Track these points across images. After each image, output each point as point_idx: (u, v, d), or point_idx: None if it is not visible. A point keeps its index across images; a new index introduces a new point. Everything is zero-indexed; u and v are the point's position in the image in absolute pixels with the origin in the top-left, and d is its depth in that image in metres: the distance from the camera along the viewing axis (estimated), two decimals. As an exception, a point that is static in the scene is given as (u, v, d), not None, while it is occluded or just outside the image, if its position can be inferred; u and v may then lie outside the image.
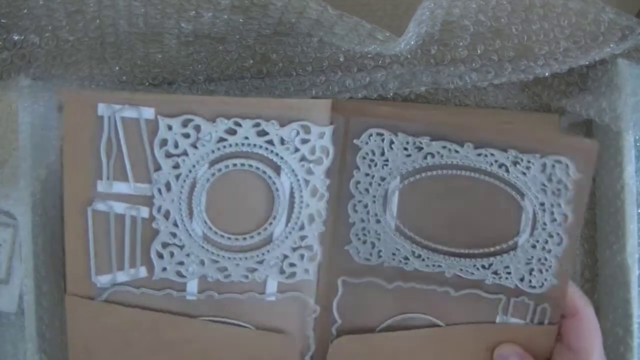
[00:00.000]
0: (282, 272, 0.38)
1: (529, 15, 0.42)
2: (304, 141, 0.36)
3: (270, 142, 0.35)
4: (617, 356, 0.44)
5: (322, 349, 0.39)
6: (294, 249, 0.38)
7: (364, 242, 0.38)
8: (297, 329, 0.39)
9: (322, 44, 0.44)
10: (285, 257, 0.38)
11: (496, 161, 0.36)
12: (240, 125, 0.35)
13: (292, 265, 0.38)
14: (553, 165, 0.36)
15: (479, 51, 0.45)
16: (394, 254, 0.38)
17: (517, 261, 0.38)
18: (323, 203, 0.37)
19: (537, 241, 0.37)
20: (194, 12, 0.41)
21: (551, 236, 0.37)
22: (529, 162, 0.36)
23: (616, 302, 0.45)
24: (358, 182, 0.38)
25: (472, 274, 0.38)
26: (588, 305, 0.38)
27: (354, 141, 0.37)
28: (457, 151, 0.36)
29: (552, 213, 0.37)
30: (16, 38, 0.41)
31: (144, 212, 0.36)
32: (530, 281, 0.38)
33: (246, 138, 0.35)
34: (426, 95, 0.49)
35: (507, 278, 0.38)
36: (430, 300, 0.39)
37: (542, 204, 0.37)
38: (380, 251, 0.38)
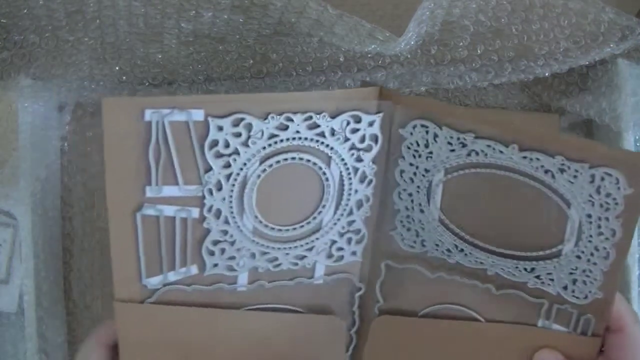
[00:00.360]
0: (330, 256, 0.38)
1: (529, 15, 0.42)
2: (354, 130, 0.36)
3: (322, 134, 0.35)
4: (617, 356, 0.44)
5: (366, 326, 0.40)
6: (342, 234, 0.38)
7: (409, 229, 0.39)
8: (344, 307, 0.40)
9: (322, 43, 0.44)
10: (334, 242, 0.38)
11: (542, 166, 0.35)
12: (292, 120, 0.35)
13: (340, 249, 0.38)
14: (602, 178, 0.34)
15: (479, 51, 0.45)
16: (437, 244, 0.38)
17: (561, 270, 0.36)
18: (371, 188, 0.38)
19: (583, 252, 0.35)
20: (194, 12, 0.41)
21: (597, 249, 0.35)
22: (576, 171, 0.34)
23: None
24: (403, 171, 0.38)
25: (514, 275, 0.37)
26: (636, 321, 0.36)
27: (399, 130, 0.37)
28: (501, 152, 0.35)
29: (599, 226, 0.35)
30: (16, 38, 0.41)
31: (195, 212, 0.35)
32: (573, 291, 0.36)
33: (297, 132, 0.35)
34: (426, 95, 0.49)
35: (549, 284, 0.37)
36: (471, 295, 0.39)
37: (589, 216, 0.35)
38: (423, 240, 0.39)
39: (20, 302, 0.47)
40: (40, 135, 0.44)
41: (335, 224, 0.38)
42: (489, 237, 0.37)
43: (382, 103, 0.37)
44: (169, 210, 0.35)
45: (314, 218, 0.37)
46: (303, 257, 0.38)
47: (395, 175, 0.38)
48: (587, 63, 0.43)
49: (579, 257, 0.36)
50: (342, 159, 0.36)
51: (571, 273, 0.36)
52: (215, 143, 0.34)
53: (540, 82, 0.48)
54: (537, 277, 0.37)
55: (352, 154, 0.36)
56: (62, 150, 0.48)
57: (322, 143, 0.36)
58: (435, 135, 0.36)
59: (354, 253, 0.39)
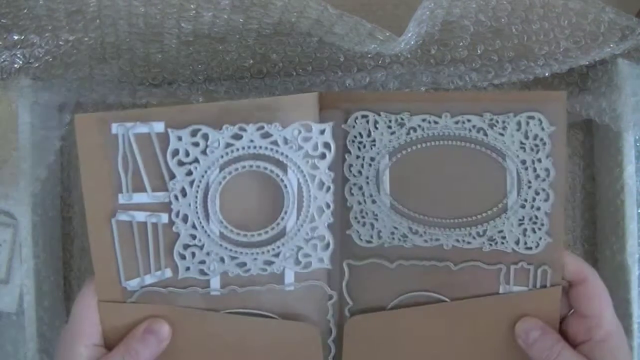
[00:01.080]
0: (297, 262, 0.39)
1: (529, 16, 0.42)
2: (306, 139, 0.38)
3: (275, 142, 0.37)
4: (617, 356, 0.44)
5: (341, 331, 0.41)
6: (307, 240, 0.39)
7: (364, 224, 0.40)
8: (317, 315, 0.40)
9: (322, 43, 0.44)
10: (300, 248, 0.39)
11: (474, 126, 0.38)
12: (245, 130, 0.37)
13: (306, 255, 0.39)
14: (527, 122, 0.37)
15: (479, 51, 0.45)
16: (392, 232, 0.39)
17: (510, 223, 0.38)
18: (330, 195, 0.39)
19: (525, 200, 0.38)
20: (194, 12, 0.41)
21: (537, 193, 0.38)
22: (504, 122, 0.37)
23: (616, 302, 0.44)
24: (351, 165, 0.39)
25: (469, 242, 0.39)
26: (593, 271, 0.38)
27: (342, 126, 0.39)
28: (436, 122, 0.38)
29: (535, 169, 0.38)
30: (16, 38, 0.41)
31: (164, 217, 0.38)
32: (525, 242, 0.38)
33: (252, 141, 0.37)
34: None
35: (502, 243, 0.39)
36: (432, 277, 0.39)
37: (524, 162, 0.38)
38: (380, 232, 0.39)
39: (20, 302, 0.47)
40: (40, 135, 0.44)
41: (298, 230, 0.39)
42: (440, 212, 0.39)
43: (331, 111, 0.39)
44: (140, 216, 0.38)
45: (278, 224, 0.39)
46: (271, 263, 0.39)
47: (344, 171, 0.39)
48: (587, 63, 0.43)
49: (523, 205, 0.38)
50: (298, 167, 0.38)
51: (520, 224, 0.38)
52: (176, 152, 0.37)
53: (540, 82, 0.48)
54: (491, 238, 0.39)
55: (307, 162, 0.38)
56: (62, 150, 0.48)
57: (277, 151, 0.38)
58: (376, 122, 0.39)
59: (321, 260, 0.40)
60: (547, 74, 0.44)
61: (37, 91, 0.43)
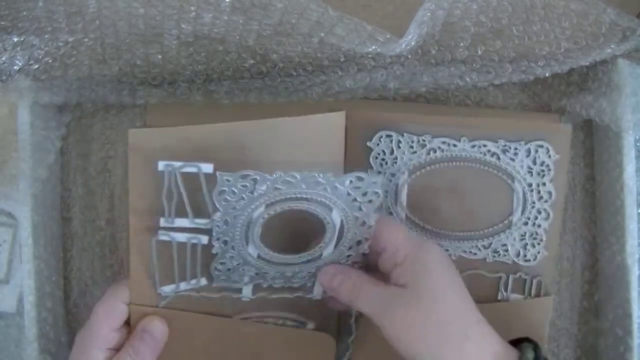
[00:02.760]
0: None
1: (530, 17, 0.42)
2: (357, 187, 0.37)
3: (325, 189, 0.37)
4: (617, 356, 0.44)
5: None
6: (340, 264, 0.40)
7: None
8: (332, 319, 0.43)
9: (322, 44, 0.44)
10: None
11: (488, 151, 0.42)
12: (296, 178, 0.36)
13: None
14: (536, 150, 0.42)
15: (479, 52, 0.45)
16: None
17: (513, 238, 0.43)
18: (369, 230, 0.39)
19: (529, 218, 0.43)
20: (194, 13, 0.41)
21: (540, 212, 0.43)
22: (516, 149, 0.42)
23: (616, 302, 0.45)
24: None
25: (475, 254, 0.43)
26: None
27: (367, 143, 0.42)
28: (455, 145, 0.42)
29: (539, 192, 0.42)
30: (16, 39, 0.41)
31: (204, 239, 0.39)
32: (525, 255, 0.43)
33: (302, 187, 0.36)
34: (426, 95, 0.49)
35: (505, 255, 0.43)
36: None
37: (530, 185, 0.42)
38: None
39: (21, 303, 0.47)
40: (40, 136, 0.44)
41: (335, 256, 0.40)
42: (449, 224, 0.43)
43: (355, 132, 0.42)
44: (180, 237, 0.39)
45: (315, 252, 0.39)
46: (303, 278, 0.41)
47: None
48: (587, 63, 0.43)
49: (526, 223, 0.43)
50: (344, 208, 0.38)
51: (521, 239, 0.43)
52: (223, 192, 0.36)
53: (540, 82, 0.48)
54: (495, 251, 0.43)
55: (354, 206, 0.38)
56: (62, 150, 0.48)
57: (325, 196, 0.37)
58: (399, 142, 0.42)
59: None
60: (547, 74, 0.44)
61: (37, 92, 0.43)
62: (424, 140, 0.42)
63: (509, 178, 0.42)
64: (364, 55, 0.45)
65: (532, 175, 0.42)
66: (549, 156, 0.42)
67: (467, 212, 0.43)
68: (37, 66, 0.42)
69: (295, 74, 0.46)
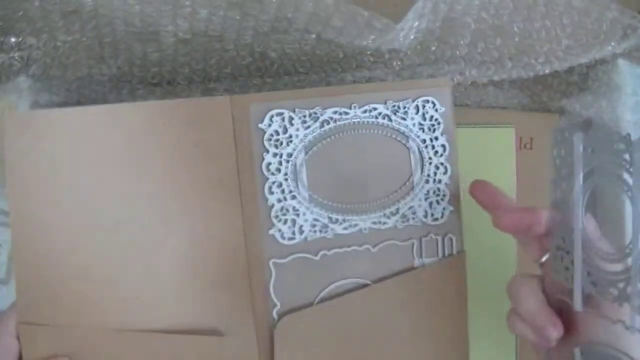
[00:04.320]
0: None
1: (531, 14, 0.42)
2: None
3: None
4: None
5: (266, 335, 0.41)
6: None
7: (285, 222, 0.41)
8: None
9: (320, 40, 0.44)
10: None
11: (380, 113, 0.42)
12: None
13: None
14: (424, 106, 0.42)
15: (479, 48, 0.44)
16: (313, 225, 0.41)
17: (418, 199, 0.43)
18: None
19: (429, 175, 0.43)
20: (189, 8, 0.41)
21: (437, 167, 0.43)
22: (404, 107, 0.42)
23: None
24: (269, 164, 0.41)
25: (385, 223, 0.42)
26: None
27: (259, 125, 0.41)
28: (346, 113, 0.42)
29: (433, 147, 0.43)
30: (13, 40, 0.41)
31: None
32: (432, 214, 0.43)
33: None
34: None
35: (413, 218, 0.43)
36: (353, 263, 0.41)
37: (424, 141, 0.43)
38: (301, 226, 0.41)
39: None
40: (40, 135, 0.44)
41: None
42: (355, 197, 0.42)
43: (243, 113, 0.41)
44: None
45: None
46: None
47: (263, 170, 0.41)
48: (587, 62, 0.43)
49: (427, 181, 0.43)
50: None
51: (426, 198, 0.43)
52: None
53: (540, 82, 0.47)
54: (403, 215, 0.43)
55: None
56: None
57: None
58: (291, 119, 0.41)
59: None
60: (547, 71, 0.44)
61: (37, 92, 0.43)
62: (315, 113, 0.41)
63: (403, 138, 0.42)
64: (363, 52, 0.45)
65: (424, 131, 0.42)
66: (436, 110, 0.42)
67: (368, 180, 0.43)
68: (35, 66, 0.42)
69: (294, 71, 0.46)
